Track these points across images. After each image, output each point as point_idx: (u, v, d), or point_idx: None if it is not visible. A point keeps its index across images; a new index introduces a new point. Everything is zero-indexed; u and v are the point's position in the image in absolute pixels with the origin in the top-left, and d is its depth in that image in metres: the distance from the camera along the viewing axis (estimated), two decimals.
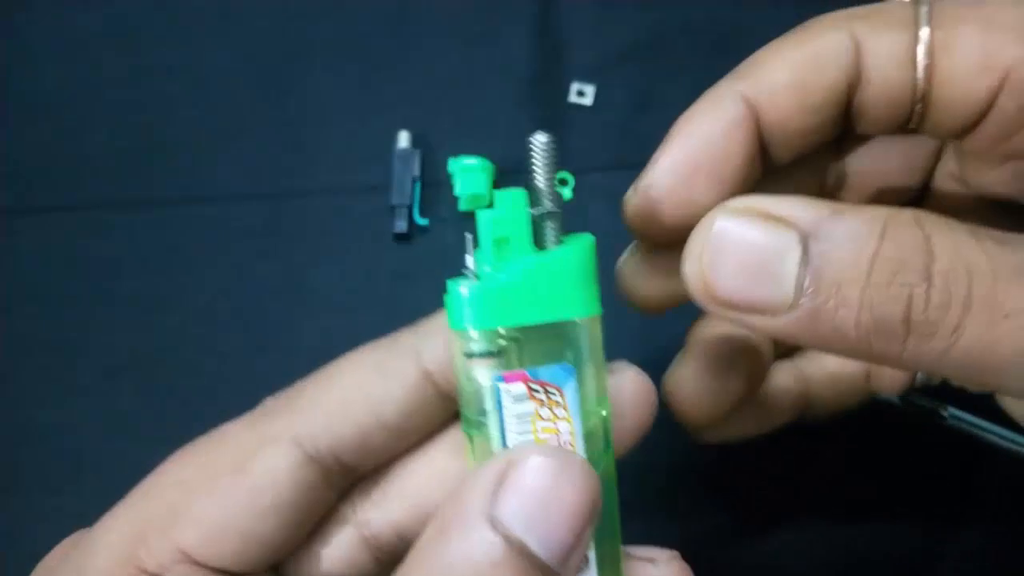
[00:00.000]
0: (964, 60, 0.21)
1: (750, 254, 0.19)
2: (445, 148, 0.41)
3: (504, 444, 0.21)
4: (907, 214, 0.19)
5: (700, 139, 0.23)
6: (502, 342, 0.20)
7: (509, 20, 0.43)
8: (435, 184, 0.40)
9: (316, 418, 0.22)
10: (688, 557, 0.23)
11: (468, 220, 0.40)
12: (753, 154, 0.23)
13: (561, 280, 0.20)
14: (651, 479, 0.35)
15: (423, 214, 0.40)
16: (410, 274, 0.39)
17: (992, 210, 0.25)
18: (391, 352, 0.23)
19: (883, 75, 0.22)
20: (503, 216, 0.21)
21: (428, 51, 0.43)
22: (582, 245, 0.21)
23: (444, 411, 0.23)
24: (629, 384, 0.23)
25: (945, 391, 0.34)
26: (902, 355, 0.19)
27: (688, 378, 0.27)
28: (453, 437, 0.24)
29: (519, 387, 0.21)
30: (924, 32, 0.21)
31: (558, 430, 0.21)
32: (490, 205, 0.22)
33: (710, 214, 0.20)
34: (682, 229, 0.21)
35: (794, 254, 0.19)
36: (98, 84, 0.42)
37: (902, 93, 0.22)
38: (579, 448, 0.21)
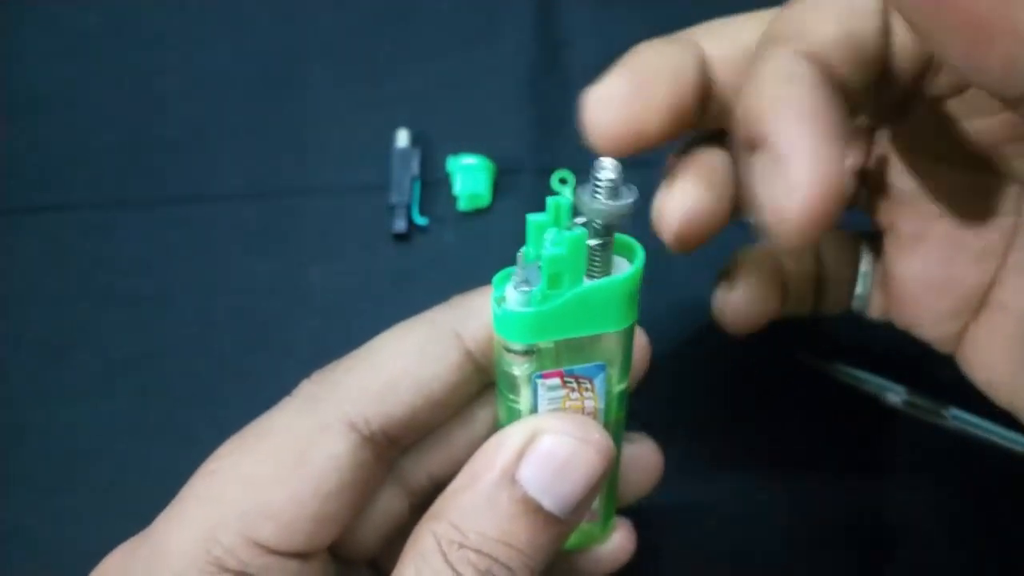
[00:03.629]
0: None
1: None
2: (444, 147, 0.41)
3: (535, 409, 0.22)
4: None
5: (645, 62, 0.24)
6: (542, 346, 0.21)
7: (509, 20, 0.43)
8: (434, 183, 0.40)
9: (367, 402, 0.23)
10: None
11: (468, 220, 0.40)
12: (695, 90, 0.23)
13: (607, 303, 0.21)
14: None
15: (422, 213, 0.40)
16: (409, 273, 0.39)
17: (969, 148, 0.24)
18: (432, 335, 0.24)
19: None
20: (563, 256, 0.20)
21: (428, 51, 0.43)
22: (631, 275, 0.21)
23: (481, 382, 0.25)
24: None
25: (945, 391, 0.35)
26: None
27: (739, 300, 0.29)
28: (487, 397, 0.26)
29: (555, 381, 0.22)
30: None
31: (583, 406, 0.23)
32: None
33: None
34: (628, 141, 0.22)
35: None
36: (98, 84, 0.42)
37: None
38: (600, 417, 0.23)
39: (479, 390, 0.26)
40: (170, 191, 0.41)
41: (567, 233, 0.20)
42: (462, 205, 0.40)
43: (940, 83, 0.23)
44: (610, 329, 0.22)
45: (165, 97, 0.42)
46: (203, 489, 0.23)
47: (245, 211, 0.40)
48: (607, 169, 0.20)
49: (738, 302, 0.29)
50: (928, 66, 0.22)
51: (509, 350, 0.22)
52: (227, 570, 0.21)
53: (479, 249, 0.39)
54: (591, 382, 0.22)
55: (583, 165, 0.39)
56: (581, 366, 0.22)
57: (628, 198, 0.20)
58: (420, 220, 0.40)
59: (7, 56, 0.43)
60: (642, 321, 0.23)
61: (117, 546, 0.24)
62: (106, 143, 0.42)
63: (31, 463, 0.36)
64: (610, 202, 0.20)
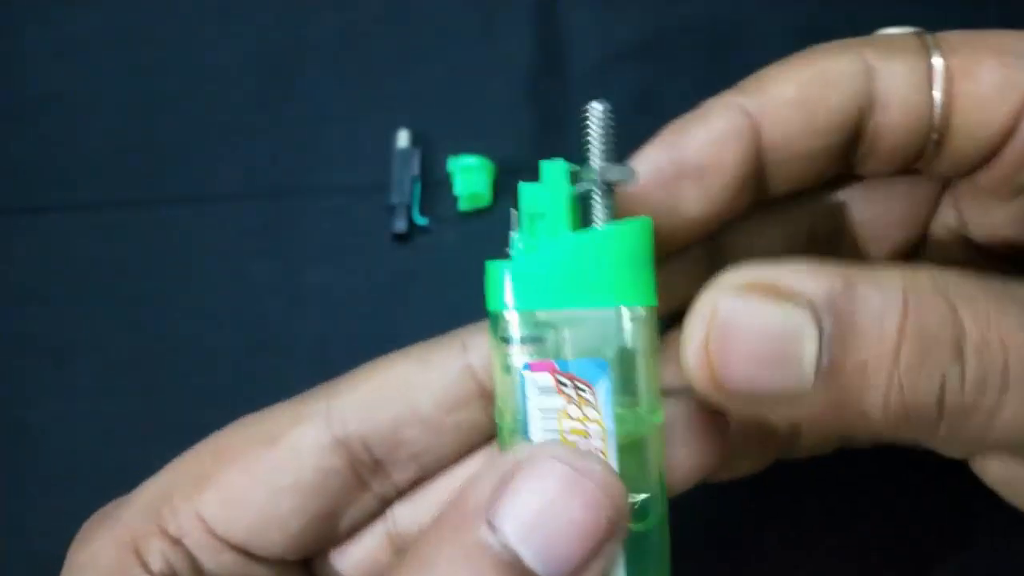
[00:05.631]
0: (984, 84, 0.20)
1: (762, 339, 0.17)
2: (445, 147, 0.41)
3: (528, 439, 0.19)
4: (925, 279, 0.17)
5: (691, 144, 0.21)
6: (539, 328, 0.19)
7: (509, 19, 0.43)
8: (435, 183, 0.40)
9: (350, 400, 0.22)
10: None
11: (468, 220, 0.40)
12: (747, 173, 0.21)
13: (607, 264, 0.18)
14: None
15: (423, 213, 0.40)
16: (409, 273, 0.39)
17: (991, 259, 0.24)
18: (437, 345, 0.22)
19: (901, 99, 0.21)
20: (540, 189, 0.19)
21: (428, 50, 0.43)
22: (633, 225, 0.19)
23: (487, 420, 0.22)
24: (691, 411, 0.20)
25: None
26: (934, 439, 0.18)
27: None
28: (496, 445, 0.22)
29: (546, 378, 0.18)
30: (937, 59, 0.21)
31: (587, 432, 0.18)
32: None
33: (709, 292, 0.18)
34: (659, 242, 0.20)
35: (811, 335, 0.17)
36: (98, 84, 0.42)
37: (921, 119, 0.21)
38: (611, 457, 0.19)
39: (482, 436, 0.22)
40: (170, 191, 0.41)
41: (547, 162, 0.19)
42: (462, 205, 0.40)
43: (943, 165, 0.22)
44: (615, 303, 0.18)
45: (165, 97, 0.42)
46: (186, 454, 0.23)
47: (245, 211, 0.40)
48: (596, 112, 0.19)
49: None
50: (923, 146, 0.21)
51: (503, 338, 0.19)
52: (165, 532, 0.21)
53: (479, 249, 0.39)
54: (591, 390, 0.18)
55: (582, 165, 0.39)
56: (577, 360, 0.18)
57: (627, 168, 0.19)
58: (420, 220, 0.40)
59: (7, 56, 0.43)
60: None
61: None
62: (106, 143, 0.41)
63: (31, 463, 0.36)
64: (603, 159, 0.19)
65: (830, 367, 0.17)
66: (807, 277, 0.17)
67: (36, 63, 0.43)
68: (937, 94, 0.20)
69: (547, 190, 0.19)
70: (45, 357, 0.38)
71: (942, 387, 0.17)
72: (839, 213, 0.25)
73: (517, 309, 0.19)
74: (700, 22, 0.42)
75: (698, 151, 0.21)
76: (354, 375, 0.23)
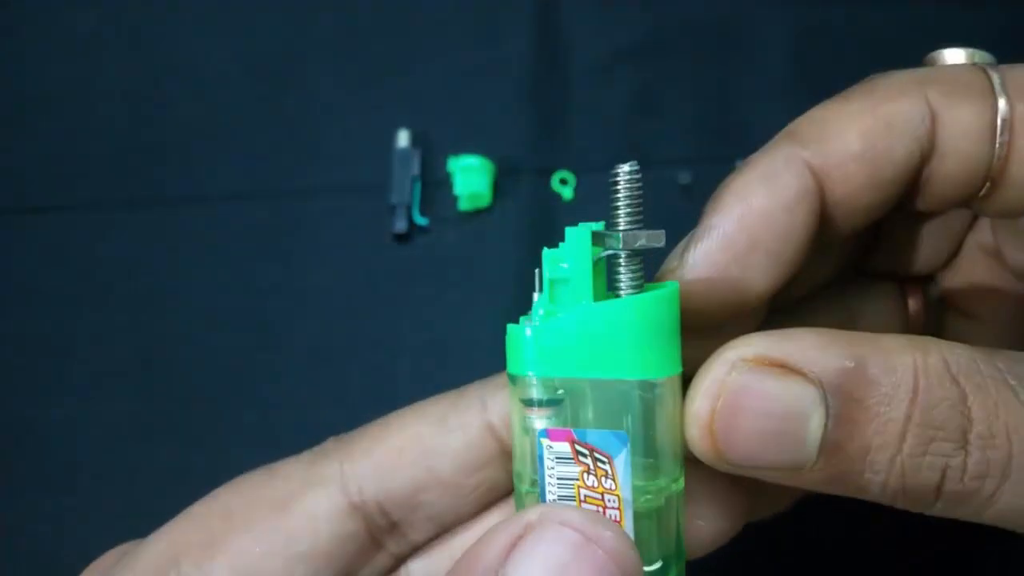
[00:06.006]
0: None
1: (768, 418, 0.17)
2: (445, 147, 0.41)
3: (542, 495, 0.19)
4: (936, 360, 0.17)
5: (759, 212, 0.19)
6: (561, 392, 0.18)
7: (509, 20, 0.43)
8: (435, 183, 0.40)
9: (365, 464, 0.21)
10: None
11: (468, 220, 0.40)
12: (813, 234, 0.20)
13: (629, 335, 0.18)
14: None
15: (423, 213, 0.40)
16: (409, 274, 0.39)
17: (1021, 279, 0.24)
18: (455, 403, 0.22)
19: (959, 148, 0.20)
20: (563, 255, 0.18)
21: (428, 50, 0.43)
22: (661, 295, 0.18)
23: (507, 477, 0.21)
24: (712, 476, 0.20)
25: None
26: (928, 511, 0.18)
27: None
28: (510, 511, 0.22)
29: (563, 447, 0.18)
30: (1002, 103, 0.19)
31: (604, 503, 0.18)
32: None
33: (716, 365, 0.18)
34: (722, 317, 0.19)
35: (817, 415, 0.17)
36: (98, 84, 0.42)
37: (977, 169, 0.20)
38: (627, 525, 0.18)
39: (501, 494, 0.22)
40: (170, 191, 0.41)
41: (573, 228, 0.18)
42: (462, 205, 0.40)
43: (989, 208, 0.21)
44: (636, 375, 0.18)
45: (165, 97, 0.42)
46: (193, 511, 0.22)
47: (245, 211, 0.40)
48: (624, 173, 0.19)
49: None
50: (975, 193, 0.21)
51: (524, 400, 0.19)
52: None
53: (479, 249, 0.39)
54: (610, 462, 0.18)
55: (583, 165, 0.39)
56: (596, 431, 0.18)
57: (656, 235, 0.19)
58: (420, 220, 0.40)
59: (7, 56, 0.43)
60: None
61: (115, 546, 0.24)
62: (106, 143, 0.41)
63: (31, 463, 0.36)
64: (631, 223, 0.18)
65: (834, 447, 0.17)
66: (817, 353, 0.17)
67: (36, 63, 0.43)
68: (997, 146, 0.20)
69: (570, 256, 0.18)
70: (44, 356, 0.38)
71: (943, 476, 0.17)
72: (877, 239, 0.25)
73: (536, 375, 0.18)
74: (700, 22, 0.42)
75: (768, 219, 0.20)
76: (367, 433, 0.22)
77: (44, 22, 0.44)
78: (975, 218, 0.25)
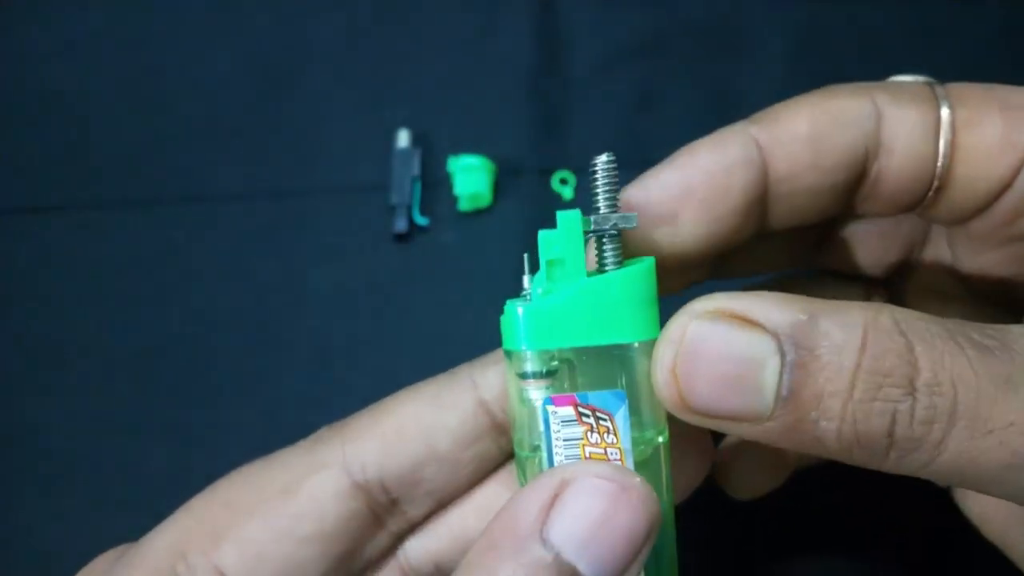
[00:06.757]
0: (988, 137, 0.21)
1: (727, 364, 0.18)
2: (445, 147, 0.41)
3: (551, 465, 0.20)
4: (886, 317, 0.18)
5: (700, 167, 0.22)
6: (555, 363, 0.20)
7: (509, 19, 0.43)
8: (435, 183, 0.40)
9: (367, 445, 0.22)
10: None
11: (468, 220, 0.40)
12: (752, 201, 0.22)
13: (617, 303, 0.20)
14: None
15: (423, 213, 0.40)
16: (409, 273, 0.39)
17: (974, 292, 0.25)
18: (448, 384, 0.23)
19: (907, 145, 0.21)
20: (558, 237, 0.20)
21: (428, 49, 0.43)
22: (640, 268, 0.21)
23: (499, 450, 0.23)
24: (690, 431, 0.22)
25: None
26: (883, 465, 0.18)
27: (741, 473, 0.28)
28: (507, 474, 0.24)
29: (567, 411, 0.20)
30: (945, 110, 0.21)
31: (607, 456, 0.20)
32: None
33: (680, 316, 0.19)
34: (660, 252, 0.21)
35: (773, 363, 0.18)
36: (98, 84, 0.42)
37: (924, 167, 0.22)
38: (628, 466, 0.20)
39: (495, 464, 0.23)
40: (170, 191, 0.41)
41: (564, 212, 0.20)
42: (462, 205, 0.40)
43: (939, 212, 0.23)
44: (626, 339, 0.20)
45: (165, 97, 0.42)
46: (193, 505, 0.22)
47: (245, 211, 0.40)
48: (601, 163, 0.21)
49: (740, 476, 0.27)
50: (924, 193, 0.22)
51: (522, 374, 0.20)
52: None
53: (479, 249, 0.39)
54: (611, 419, 0.20)
55: (583, 165, 0.39)
56: (596, 393, 0.20)
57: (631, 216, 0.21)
58: (421, 220, 0.40)
59: (7, 56, 0.43)
60: None
61: (114, 546, 0.24)
62: (106, 143, 0.41)
63: (31, 463, 0.36)
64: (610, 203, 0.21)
65: (789, 395, 0.18)
66: (774, 308, 0.18)
67: (36, 63, 0.43)
68: (942, 144, 0.21)
69: (564, 238, 0.20)
70: (44, 356, 0.38)
71: (893, 420, 0.18)
72: (832, 235, 0.26)
73: (535, 348, 0.20)
74: (700, 22, 0.42)
75: (707, 175, 0.22)
76: (365, 417, 0.23)
77: (44, 22, 0.44)
78: (928, 231, 0.26)
